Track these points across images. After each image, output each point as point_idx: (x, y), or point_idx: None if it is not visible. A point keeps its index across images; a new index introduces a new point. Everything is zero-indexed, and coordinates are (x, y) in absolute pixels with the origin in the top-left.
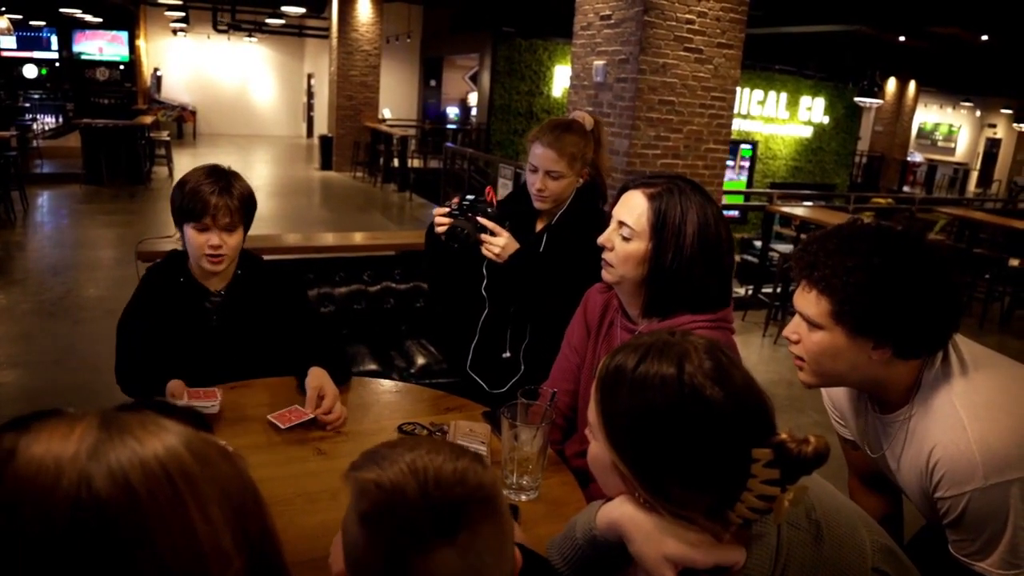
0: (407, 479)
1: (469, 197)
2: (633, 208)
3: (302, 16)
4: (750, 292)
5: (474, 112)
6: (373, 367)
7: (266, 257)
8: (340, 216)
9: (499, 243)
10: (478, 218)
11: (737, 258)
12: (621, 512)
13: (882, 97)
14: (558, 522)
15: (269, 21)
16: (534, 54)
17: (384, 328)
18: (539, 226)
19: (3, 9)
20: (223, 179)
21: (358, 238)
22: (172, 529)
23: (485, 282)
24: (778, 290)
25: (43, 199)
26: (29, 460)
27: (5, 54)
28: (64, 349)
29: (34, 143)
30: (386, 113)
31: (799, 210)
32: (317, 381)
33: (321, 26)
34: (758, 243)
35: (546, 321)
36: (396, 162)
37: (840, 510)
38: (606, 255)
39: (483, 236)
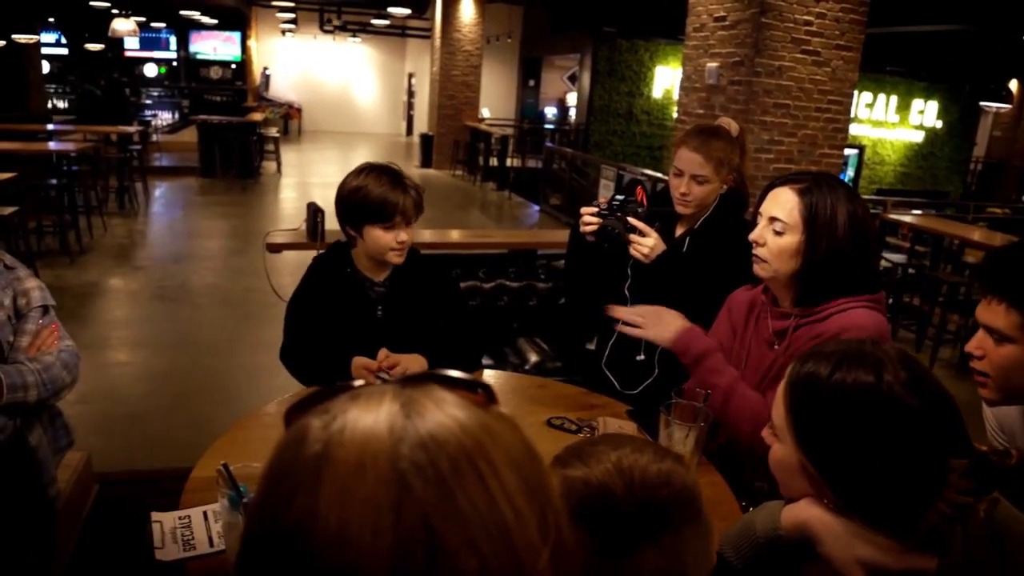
0: (614, 479)
1: (619, 197)
2: (784, 203)
3: (405, 17)
4: None
5: (572, 112)
6: (487, 363)
7: None
8: (441, 214)
9: (648, 243)
10: (628, 218)
11: None
12: (810, 514)
13: (1010, 101)
14: (712, 523)
15: (374, 22)
16: (635, 55)
17: (497, 325)
18: (679, 231)
19: (129, 12)
20: (400, 181)
21: (471, 236)
22: (488, 527)
23: (629, 282)
24: (890, 302)
25: (162, 190)
26: (347, 456)
27: (129, 54)
28: (184, 333)
29: (154, 137)
30: (485, 112)
31: (908, 218)
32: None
33: (423, 26)
34: None
35: None
36: (495, 161)
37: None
38: (758, 251)
39: (632, 236)
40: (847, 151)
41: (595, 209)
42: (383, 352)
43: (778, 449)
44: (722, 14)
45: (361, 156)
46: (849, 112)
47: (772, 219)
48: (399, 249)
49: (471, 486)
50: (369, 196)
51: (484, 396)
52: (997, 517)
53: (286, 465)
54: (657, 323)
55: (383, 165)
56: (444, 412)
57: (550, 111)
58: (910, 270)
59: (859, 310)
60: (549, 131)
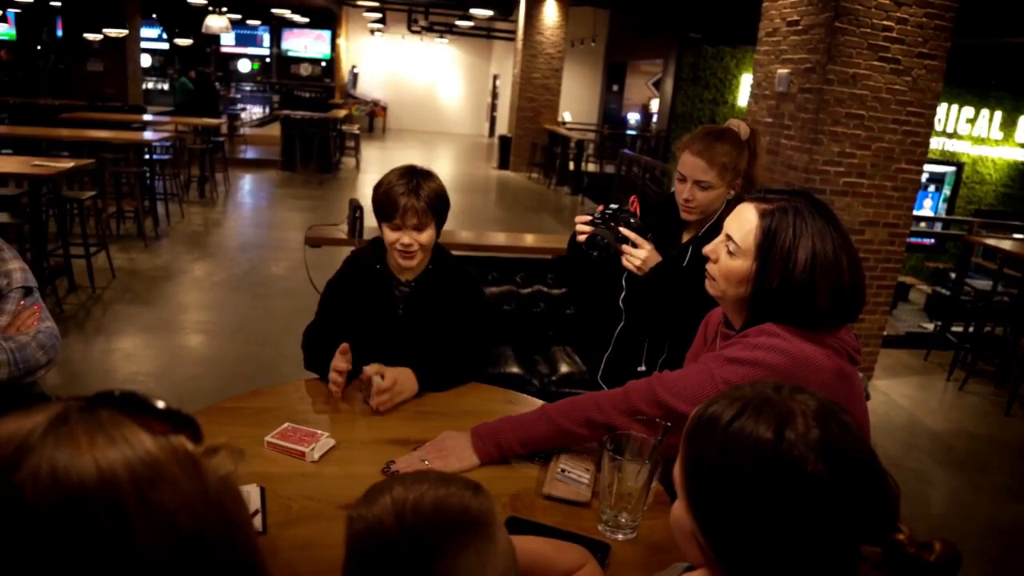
0: (387, 511)
1: (613, 206)
2: (743, 223)
3: (490, 19)
4: (938, 328)
5: (655, 119)
6: (516, 370)
7: None
8: (511, 216)
9: (640, 255)
10: (620, 228)
11: (928, 289)
12: None
13: None
14: (653, 570)
15: (459, 23)
16: (720, 61)
17: (532, 332)
18: (685, 237)
19: (224, 9)
20: (413, 181)
21: (508, 240)
22: (83, 558)
23: (623, 294)
24: (971, 330)
25: (243, 181)
26: None
27: (224, 50)
28: (240, 320)
29: (241, 130)
30: (566, 116)
31: (1006, 243)
32: (390, 377)
33: (508, 28)
34: (954, 275)
35: (685, 337)
36: (572, 165)
37: None
38: (709, 267)
39: (624, 247)
40: (943, 168)
41: (588, 217)
42: (375, 366)
43: (676, 506)
44: (795, 18)
45: (443, 155)
46: (931, 125)
47: (728, 237)
48: (403, 252)
49: (79, 535)
50: (380, 190)
51: (169, 427)
52: None
53: None
54: (447, 455)
55: (416, 168)
56: (91, 445)
57: (633, 117)
58: (996, 297)
59: (778, 326)
60: (630, 137)
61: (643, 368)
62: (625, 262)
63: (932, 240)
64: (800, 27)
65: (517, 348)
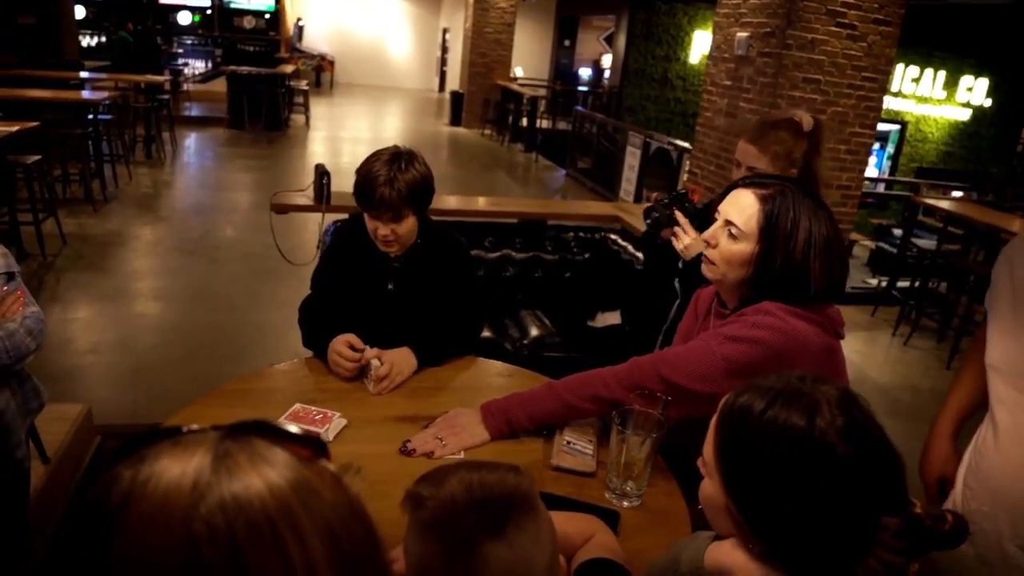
0: (457, 488)
1: (681, 191)
2: (743, 208)
3: None
4: (883, 285)
5: (607, 75)
6: (487, 335)
7: None
8: (465, 174)
9: (685, 241)
10: (676, 211)
11: (872, 245)
12: (733, 560)
13: None
14: (659, 535)
15: None
16: (673, 18)
17: (501, 296)
18: None
19: None
20: (392, 170)
21: (481, 203)
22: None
23: (679, 277)
24: (916, 285)
25: (190, 140)
26: (144, 511)
27: (162, 1)
28: (199, 287)
29: (184, 87)
30: (518, 72)
31: (944, 203)
32: (388, 363)
33: None
34: (897, 231)
35: None
36: (524, 122)
37: None
38: (708, 252)
39: (675, 229)
40: (888, 127)
41: (657, 195)
42: (375, 351)
43: (707, 485)
44: None
45: (392, 111)
46: (884, 90)
47: (728, 222)
48: (382, 240)
49: (267, 555)
50: (361, 174)
51: (312, 452)
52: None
53: (88, 512)
54: (459, 431)
55: (400, 153)
56: (256, 471)
57: (584, 72)
58: (939, 259)
59: (773, 304)
60: (582, 93)
61: None
62: (673, 242)
63: (873, 200)
64: None
65: (487, 313)
